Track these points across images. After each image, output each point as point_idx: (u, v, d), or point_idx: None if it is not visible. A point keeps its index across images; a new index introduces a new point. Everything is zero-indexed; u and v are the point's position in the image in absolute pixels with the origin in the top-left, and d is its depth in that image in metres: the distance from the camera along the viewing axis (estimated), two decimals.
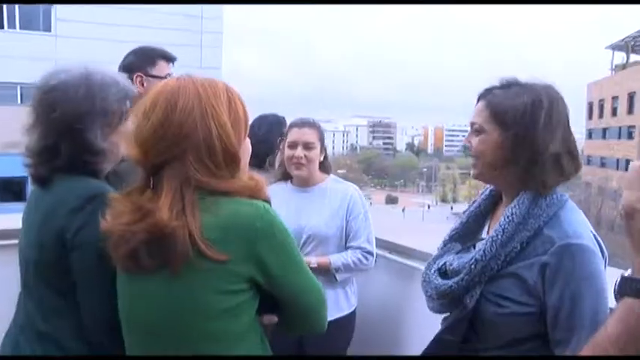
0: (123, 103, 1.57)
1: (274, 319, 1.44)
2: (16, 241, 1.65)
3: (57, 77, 1.50)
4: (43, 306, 1.50)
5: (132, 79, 2.32)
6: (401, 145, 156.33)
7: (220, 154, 1.28)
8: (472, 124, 1.59)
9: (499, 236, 1.47)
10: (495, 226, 1.51)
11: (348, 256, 2.56)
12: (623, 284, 0.91)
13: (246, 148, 1.39)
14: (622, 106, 40.17)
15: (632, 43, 47.94)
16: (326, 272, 2.49)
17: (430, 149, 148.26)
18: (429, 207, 68.66)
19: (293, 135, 2.60)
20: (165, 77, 2.44)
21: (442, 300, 1.61)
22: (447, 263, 1.61)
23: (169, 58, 2.53)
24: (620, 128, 40.09)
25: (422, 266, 2.65)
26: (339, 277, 2.53)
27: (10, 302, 1.63)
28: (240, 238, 1.26)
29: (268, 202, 1.34)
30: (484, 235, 1.66)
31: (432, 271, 1.65)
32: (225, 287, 1.27)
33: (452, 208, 71.28)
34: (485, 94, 1.59)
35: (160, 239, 1.23)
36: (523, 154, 1.48)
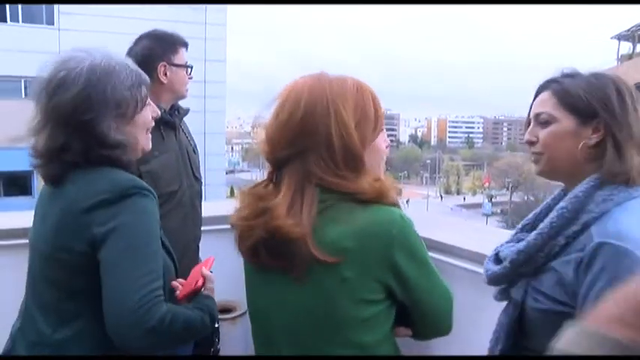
0: (137, 90, 1.48)
1: (409, 332, 1.42)
2: (25, 241, 1.58)
3: (60, 68, 1.41)
4: (50, 312, 1.42)
5: (154, 69, 2.20)
6: (404, 136, 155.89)
7: (341, 153, 1.26)
8: (537, 116, 1.46)
9: (546, 229, 1.38)
10: (546, 219, 1.41)
11: None
12: None
13: (376, 149, 1.37)
14: None
15: (639, 32, 47.62)
16: None
17: (433, 141, 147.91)
18: (441, 198, 68.59)
19: None
20: (187, 66, 2.33)
21: (494, 286, 1.55)
22: (501, 250, 1.53)
23: (186, 45, 2.38)
24: None
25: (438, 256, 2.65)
26: None
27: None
28: (377, 246, 1.24)
29: (397, 205, 1.32)
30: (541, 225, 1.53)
31: (491, 255, 1.57)
32: (363, 296, 1.26)
33: (464, 199, 71.22)
34: (547, 85, 1.47)
35: (278, 238, 1.24)
36: (607, 144, 1.36)
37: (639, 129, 1.37)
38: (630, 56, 46.77)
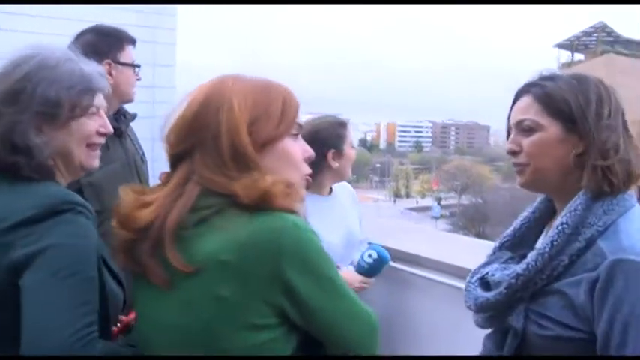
0: (79, 94, 1.34)
1: None
2: None
3: (10, 63, 1.29)
4: None
5: None
6: (354, 141, 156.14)
7: (228, 151, 1.14)
8: (519, 123, 1.36)
9: (547, 249, 1.27)
10: (546, 238, 1.31)
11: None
12: None
13: (282, 153, 1.21)
14: None
15: (577, 42, 49.80)
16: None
17: (383, 145, 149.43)
18: (395, 201, 69.31)
19: None
20: (135, 65, 2.16)
21: (482, 314, 1.42)
22: (490, 273, 1.40)
23: (134, 42, 2.19)
24: None
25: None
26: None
27: None
28: (263, 257, 1.05)
29: (294, 212, 1.12)
30: (538, 245, 1.43)
31: (474, 280, 1.45)
32: (248, 320, 1.06)
33: (417, 202, 72.14)
34: (527, 88, 1.37)
35: (141, 237, 1.12)
36: (594, 150, 1.27)
37: (618, 135, 1.30)
38: (569, 64, 48.91)
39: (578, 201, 1.27)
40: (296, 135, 1.24)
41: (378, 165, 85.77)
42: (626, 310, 1.14)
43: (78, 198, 1.29)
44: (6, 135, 1.26)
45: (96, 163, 1.43)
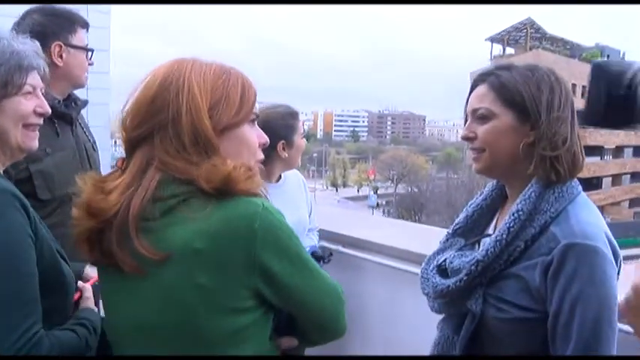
0: (9, 71, 1.26)
1: (294, 342, 1.27)
2: None
3: None
4: None
5: (46, 49, 1.84)
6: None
7: (188, 134, 1.12)
8: (475, 111, 1.41)
9: (504, 236, 1.33)
10: (501, 224, 1.36)
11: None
12: None
13: (240, 138, 1.21)
14: None
15: (508, 37, 51.67)
16: None
17: (320, 134, 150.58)
18: (336, 190, 70.04)
19: None
20: (88, 49, 2.02)
21: (440, 300, 1.45)
22: (448, 261, 1.44)
23: (87, 25, 2.04)
24: None
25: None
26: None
27: None
28: (237, 245, 1.07)
29: (258, 195, 1.15)
30: (490, 230, 1.51)
31: (431, 268, 1.49)
32: (228, 304, 1.09)
33: (358, 191, 73.09)
34: (484, 77, 1.41)
35: (107, 226, 1.09)
36: (544, 140, 1.32)
37: (567, 126, 1.35)
38: (501, 57, 50.71)
39: (531, 189, 1.33)
40: (253, 121, 1.25)
41: (315, 154, 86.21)
42: (575, 290, 1.23)
43: (2, 184, 1.20)
44: None
45: (35, 143, 1.37)
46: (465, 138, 1.43)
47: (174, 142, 1.12)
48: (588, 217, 1.31)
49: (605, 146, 45.31)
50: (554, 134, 1.32)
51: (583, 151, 1.38)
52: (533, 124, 1.34)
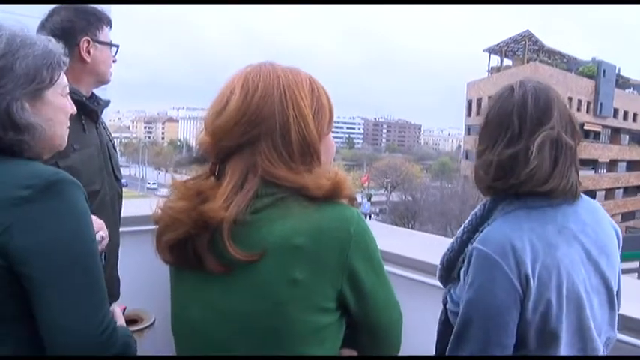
0: (57, 70, 1.28)
1: (354, 352, 1.27)
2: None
3: None
4: None
5: (75, 44, 1.89)
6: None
7: (296, 144, 1.15)
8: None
9: (459, 234, 1.46)
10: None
11: None
12: None
13: (329, 144, 1.26)
14: None
15: (506, 48, 51.89)
16: None
17: None
18: None
19: None
20: (113, 45, 2.05)
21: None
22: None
23: (111, 24, 2.07)
24: None
25: None
26: None
27: None
28: (334, 244, 1.10)
29: (354, 203, 1.20)
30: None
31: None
32: (316, 302, 1.11)
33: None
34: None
35: (201, 228, 1.10)
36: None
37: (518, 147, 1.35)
38: (499, 69, 50.92)
39: (491, 197, 1.43)
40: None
41: None
42: (465, 290, 1.33)
43: (67, 174, 1.21)
44: (5, 113, 1.18)
45: (66, 140, 1.38)
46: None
47: (282, 152, 1.13)
48: (503, 226, 1.34)
49: (600, 160, 45.55)
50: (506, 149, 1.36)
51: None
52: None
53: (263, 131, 1.14)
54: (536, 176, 1.31)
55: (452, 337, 1.34)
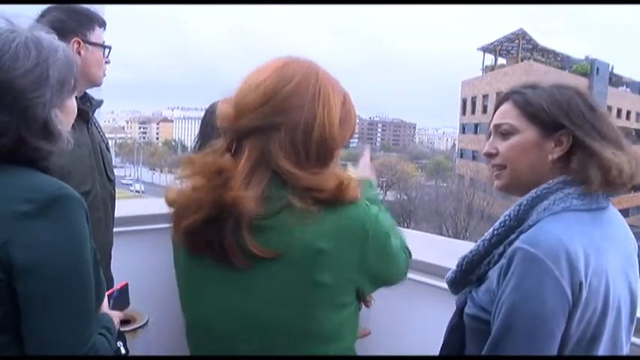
0: (74, 72, 1.25)
1: (368, 330, 1.39)
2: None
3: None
4: None
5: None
6: None
7: (316, 144, 1.13)
8: (497, 127, 1.40)
9: (488, 237, 1.35)
10: (492, 227, 1.38)
11: None
12: None
13: (339, 155, 1.24)
14: (492, 103, 42.96)
15: (500, 47, 52.05)
16: None
17: None
18: None
19: None
20: (105, 46, 2.02)
21: (452, 290, 1.50)
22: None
23: (104, 25, 2.04)
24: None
25: None
26: None
27: None
28: (354, 243, 1.13)
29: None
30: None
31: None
32: (339, 301, 1.14)
33: None
34: (509, 96, 1.41)
35: (226, 215, 1.08)
36: (576, 154, 1.30)
37: (614, 132, 1.34)
38: (493, 67, 51.03)
39: (526, 197, 1.32)
40: None
41: None
42: (506, 294, 1.21)
43: (70, 188, 1.18)
44: (42, 122, 1.16)
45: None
46: (488, 154, 1.42)
47: (299, 148, 1.13)
48: (554, 228, 1.24)
49: None
50: (592, 138, 1.30)
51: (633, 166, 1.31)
52: (559, 139, 1.32)
53: (285, 121, 1.12)
54: None
55: (488, 342, 1.23)
